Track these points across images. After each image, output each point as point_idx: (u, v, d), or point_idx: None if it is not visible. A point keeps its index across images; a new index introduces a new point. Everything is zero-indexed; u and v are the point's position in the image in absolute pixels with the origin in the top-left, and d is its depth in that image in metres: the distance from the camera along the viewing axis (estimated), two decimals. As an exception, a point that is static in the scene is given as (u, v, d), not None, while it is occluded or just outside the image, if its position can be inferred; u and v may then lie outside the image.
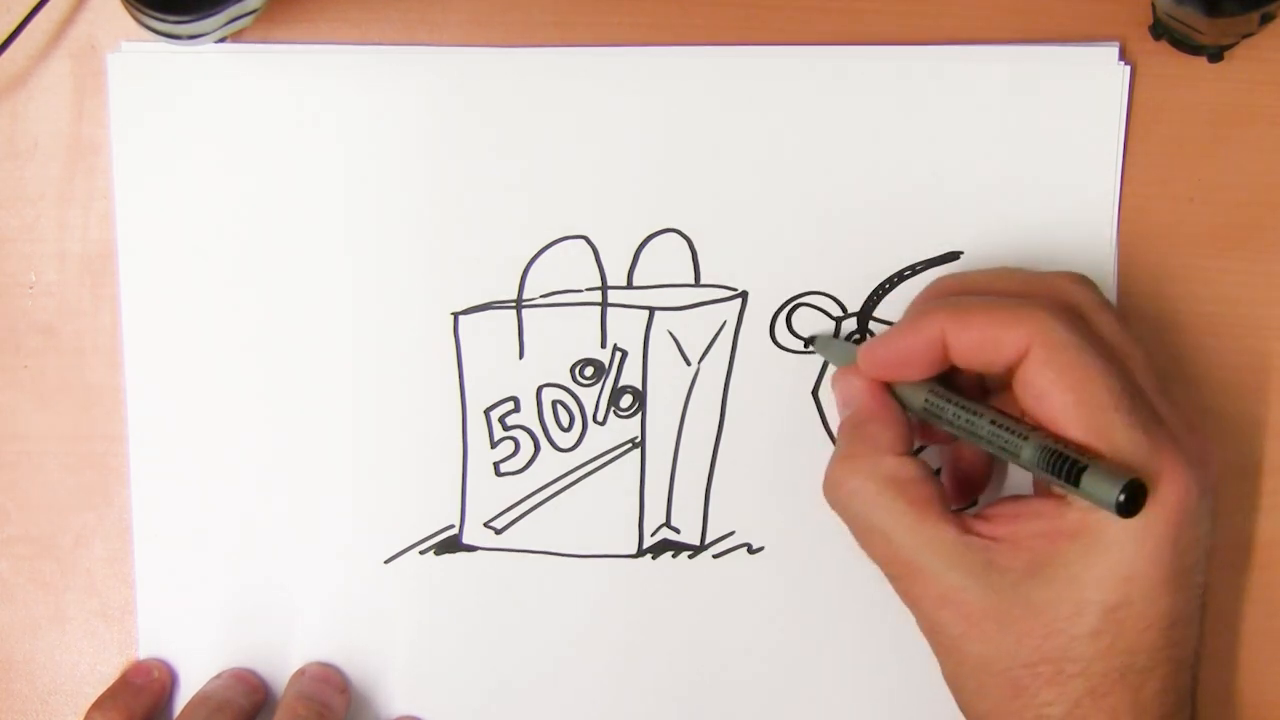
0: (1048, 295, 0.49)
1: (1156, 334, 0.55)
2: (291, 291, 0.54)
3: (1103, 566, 0.46)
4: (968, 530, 0.48)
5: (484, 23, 0.54)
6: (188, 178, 0.54)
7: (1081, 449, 0.45)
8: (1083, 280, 0.50)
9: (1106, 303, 0.50)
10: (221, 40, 0.53)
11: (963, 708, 0.50)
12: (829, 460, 0.50)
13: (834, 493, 0.50)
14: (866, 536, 0.49)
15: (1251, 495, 0.56)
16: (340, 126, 0.54)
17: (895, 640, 0.55)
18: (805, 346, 0.55)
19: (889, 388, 0.51)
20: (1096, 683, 0.46)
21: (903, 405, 0.50)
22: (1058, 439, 0.46)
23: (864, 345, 0.51)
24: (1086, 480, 0.44)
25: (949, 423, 0.49)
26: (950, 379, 0.50)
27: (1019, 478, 0.55)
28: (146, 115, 0.54)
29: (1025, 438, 0.46)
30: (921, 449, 0.55)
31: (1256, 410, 0.56)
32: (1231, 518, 0.56)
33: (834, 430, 0.55)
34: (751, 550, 0.56)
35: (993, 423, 0.47)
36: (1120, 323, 0.49)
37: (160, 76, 0.53)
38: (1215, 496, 0.49)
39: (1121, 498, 0.43)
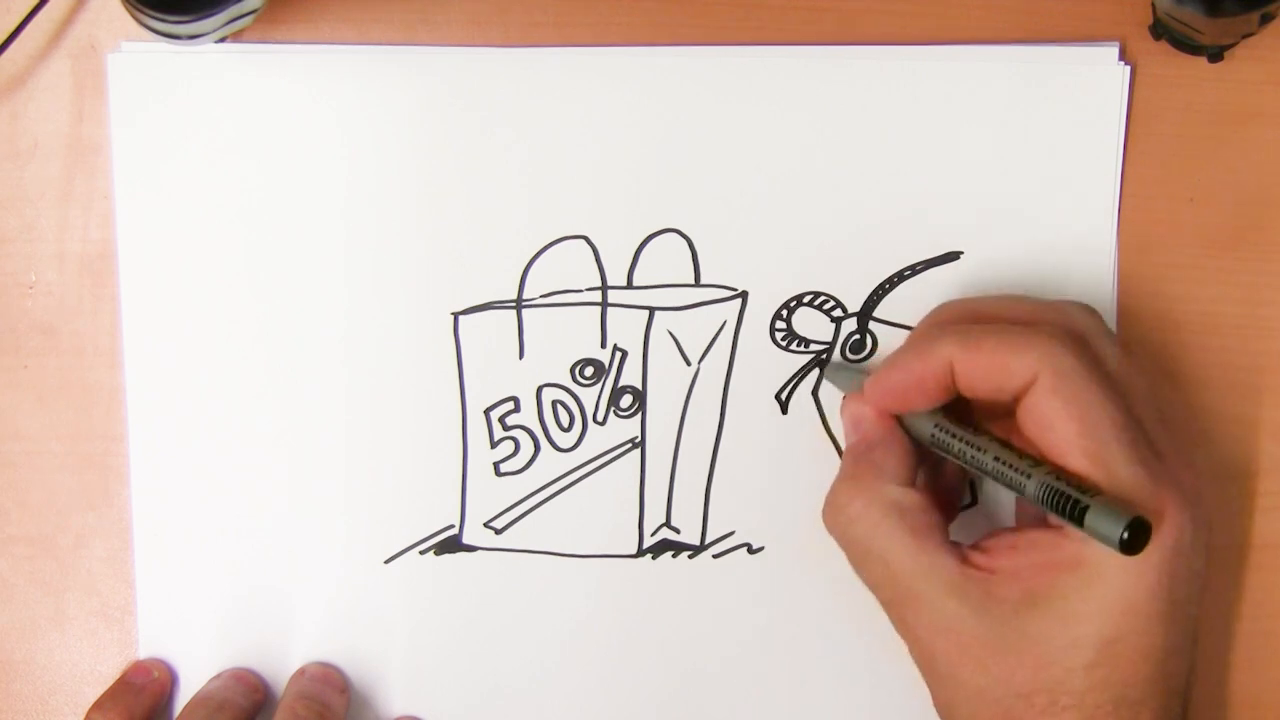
0: (1055, 323, 0.49)
1: (1156, 334, 0.55)
2: (291, 292, 0.54)
3: (1100, 600, 0.46)
4: (966, 561, 0.48)
5: (484, 23, 0.54)
6: (188, 178, 0.54)
7: (1083, 482, 0.46)
8: (1088, 310, 0.50)
9: (1110, 332, 0.50)
10: (221, 40, 0.53)
11: None
12: (832, 483, 0.50)
13: (836, 516, 0.50)
14: (865, 562, 0.49)
15: (1250, 496, 0.56)
16: (340, 126, 0.54)
17: (895, 640, 0.55)
18: (818, 372, 0.55)
19: (896, 415, 0.51)
20: (1090, 714, 0.47)
21: (909, 434, 0.51)
22: (1060, 474, 0.46)
23: (872, 375, 0.51)
24: (1090, 518, 0.44)
25: (955, 455, 0.49)
26: (955, 403, 0.50)
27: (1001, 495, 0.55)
28: (146, 115, 0.54)
29: (1028, 475, 0.46)
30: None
31: (1256, 410, 0.56)
32: (1232, 518, 0.56)
33: (834, 431, 0.55)
34: (751, 550, 0.56)
35: (997, 458, 0.47)
36: (1123, 353, 0.49)
37: (160, 76, 0.53)
38: (1208, 531, 0.49)
39: (1125, 536, 0.44)
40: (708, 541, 0.56)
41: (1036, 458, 0.47)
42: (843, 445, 0.55)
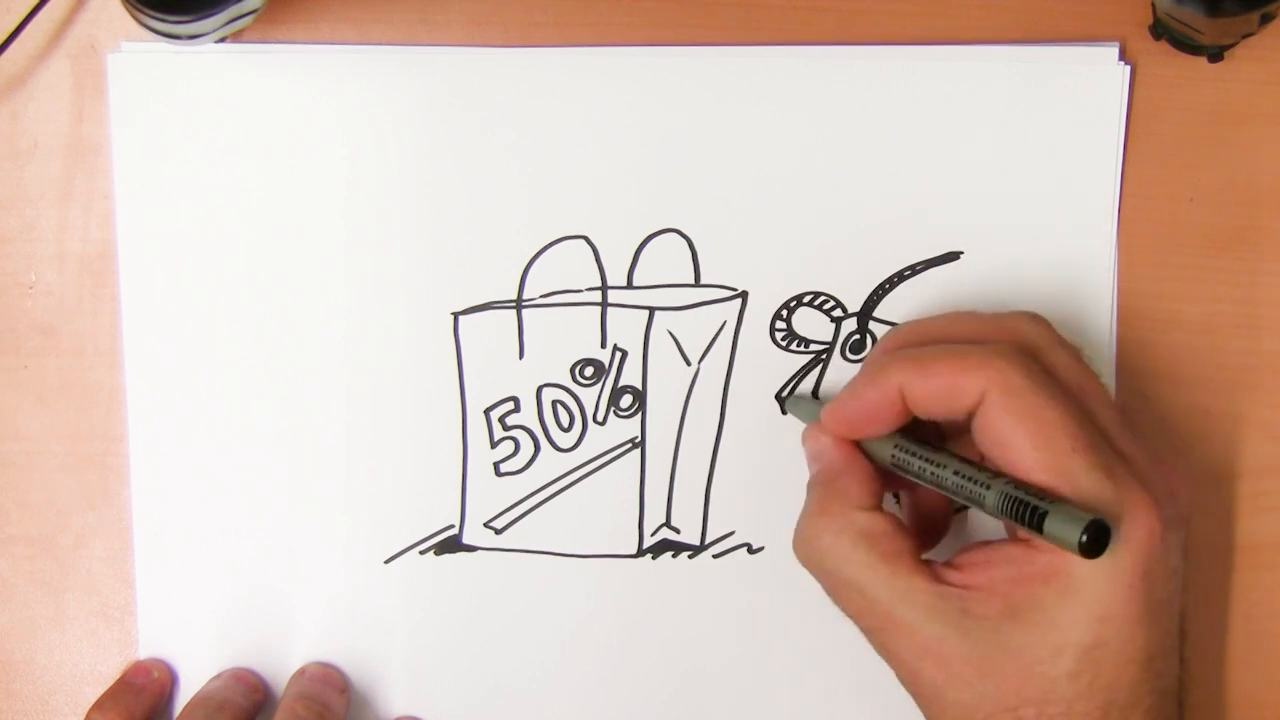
0: (1003, 339, 0.49)
1: (1156, 334, 0.55)
2: (291, 292, 0.54)
3: (1077, 608, 0.46)
4: (941, 580, 0.48)
5: (484, 23, 0.54)
6: (188, 178, 0.54)
7: (1044, 492, 0.45)
8: (1037, 319, 0.50)
9: (1062, 340, 0.50)
10: (221, 40, 0.53)
11: None
12: (799, 517, 0.50)
13: (805, 549, 0.50)
14: (841, 592, 0.49)
15: (1249, 496, 0.56)
16: (340, 127, 0.54)
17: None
18: (782, 410, 0.55)
19: (856, 442, 0.51)
20: None
21: (870, 458, 0.51)
22: (1019, 484, 0.46)
23: (827, 405, 0.51)
24: (1049, 524, 0.44)
25: (915, 475, 0.49)
26: (914, 425, 0.50)
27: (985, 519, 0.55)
28: (146, 115, 0.54)
29: (988, 486, 0.46)
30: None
31: (1254, 410, 0.56)
32: (1228, 518, 0.56)
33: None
34: (751, 550, 0.56)
35: (956, 473, 0.47)
36: (1077, 359, 0.49)
37: (160, 76, 0.53)
38: (1188, 526, 0.49)
39: (1084, 539, 0.43)
40: (708, 541, 0.56)
41: (995, 471, 0.47)
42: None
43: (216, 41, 0.53)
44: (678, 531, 0.56)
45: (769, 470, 0.55)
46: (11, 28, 0.53)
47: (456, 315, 0.55)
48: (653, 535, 0.55)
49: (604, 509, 0.55)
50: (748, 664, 0.56)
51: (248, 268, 0.54)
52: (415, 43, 0.54)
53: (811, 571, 0.50)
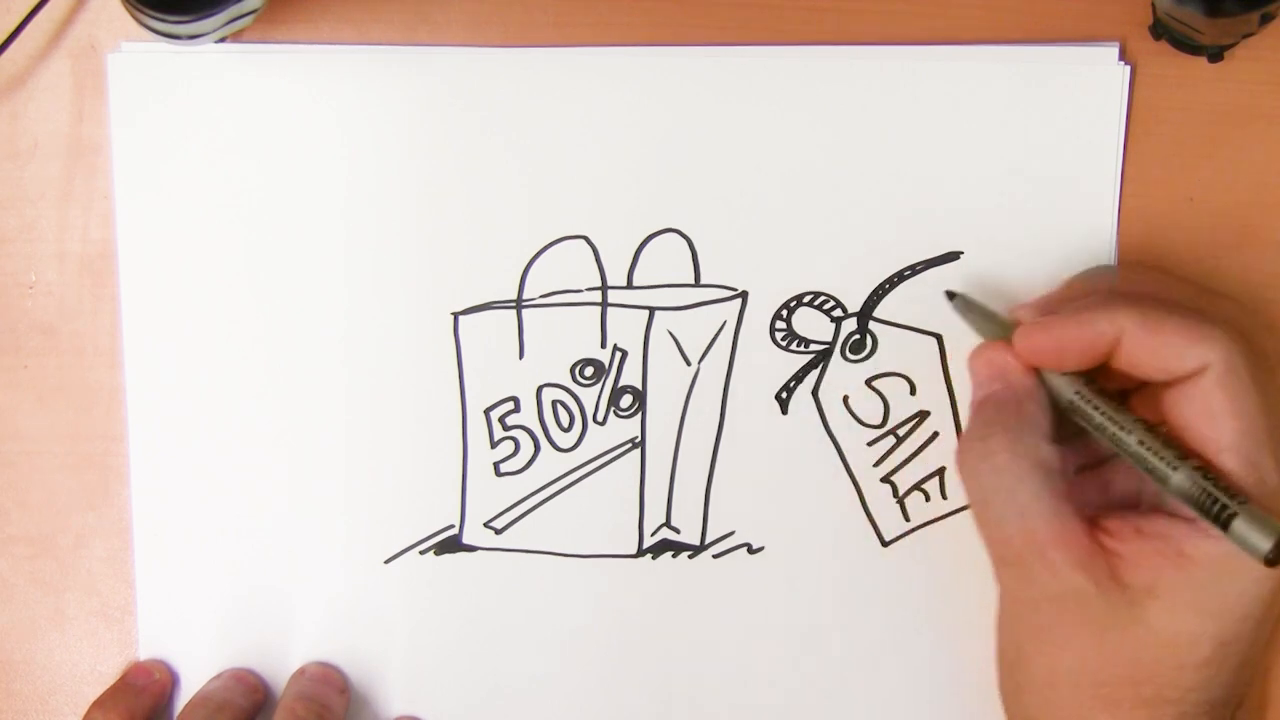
0: (1227, 318, 0.48)
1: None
2: (291, 292, 0.54)
3: (1224, 599, 0.46)
4: (1094, 538, 0.47)
5: (484, 23, 0.54)
6: (188, 178, 0.54)
7: (1231, 485, 0.45)
8: (1245, 308, 0.50)
9: (1262, 337, 0.50)
10: (221, 40, 0.53)
11: (1015, 717, 0.49)
12: (970, 425, 0.49)
13: (978, 461, 0.48)
14: (994, 514, 0.48)
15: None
16: (340, 127, 0.54)
17: (895, 640, 0.55)
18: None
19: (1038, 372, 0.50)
20: (1187, 711, 0.46)
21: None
22: (1207, 471, 0.45)
23: (1025, 326, 0.49)
24: (1238, 525, 0.44)
25: (1093, 425, 0.48)
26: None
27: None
28: (146, 115, 0.54)
29: (1174, 466, 0.46)
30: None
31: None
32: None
33: (834, 431, 0.55)
34: (751, 550, 0.56)
35: (1141, 442, 0.47)
36: (1268, 358, 0.49)
37: (160, 76, 0.54)
38: None
39: (1271, 549, 0.43)
40: (708, 541, 0.56)
41: (1181, 448, 0.46)
42: (964, 404, 0.54)
43: (216, 41, 0.53)
44: (678, 531, 0.56)
45: (769, 470, 0.55)
46: (11, 28, 0.53)
47: (456, 315, 0.55)
48: (653, 535, 0.55)
49: (604, 509, 0.55)
50: (747, 664, 0.56)
51: (248, 268, 0.54)
52: (415, 43, 0.54)
53: (970, 484, 0.49)
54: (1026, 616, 0.48)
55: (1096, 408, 0.48)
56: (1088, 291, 0.51)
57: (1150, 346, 0.47)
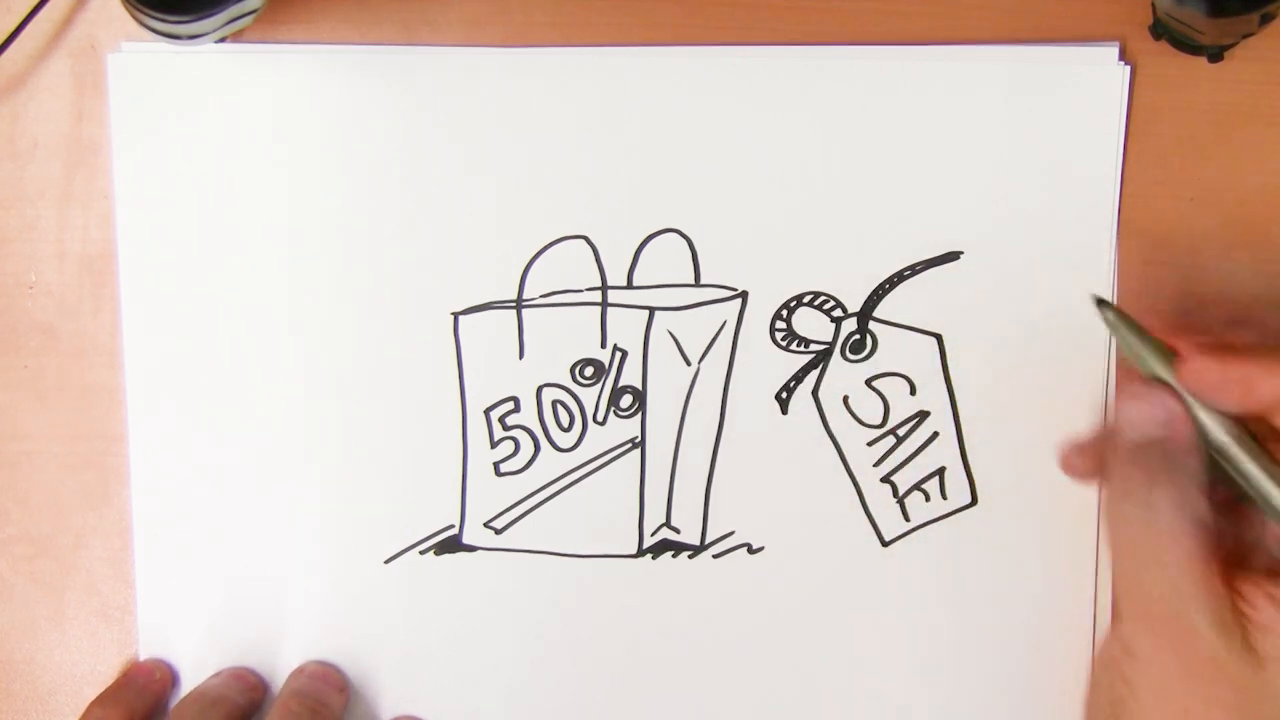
0: None
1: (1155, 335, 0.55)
2: (291, 291, 0.54)
3: None
4: (1235, 602, 0.46)
5: (484, 23, 0.54)
6: (188, 178, 0.54)
7: None
8: None
9: None
10: (221, 40, 0.53)
11: None
12: (1136, 479, 0.47)
13: (1141, 513, 0.47)
14: (1145, 568, 0.46)
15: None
16: (340, 126, 0.54)
17: (895, 640, 0.55)
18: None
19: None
20: None
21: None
22: None
23: (1197, 357, 0.47)
24: None
25: (1243, 474, 0.47)
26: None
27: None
28: (146, 115, 0.54)
29: None
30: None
31: (1256, 410, 0.56)
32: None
33: (834, 431, 0.55)
34: (751, 550, 0.56)
35: None
36: None
37: (160, 76, 0.54)
38: None
39: None
40: (708, 541, 0.56)
41: None
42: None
43: (216, 41, 0.53)
44: (678, 531, 0.56)
45: (769, 470, 0.55)
46: (11, 28, 0.53)
47: (456, 315, 0.55)
48: (653, 535, 0.55)
49: (604, 509, 0.55)
50: (747, 664, 0.56)
51: (248, 268, 0.54)
52: (415, 43, 0.54)
53: (1118, 535, 0.47)
54: (1151, 673, 0.46)
55: (1251, 456, 0.47)
56: (1255, 337, 0.50)
57: None
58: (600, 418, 0.55)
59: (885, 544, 0.55)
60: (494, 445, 0.55)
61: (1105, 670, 0.48)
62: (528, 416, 0.55)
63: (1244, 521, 0.50)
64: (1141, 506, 0.47)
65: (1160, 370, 0.48)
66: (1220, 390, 0.47)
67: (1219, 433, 0.47)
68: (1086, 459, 0.51)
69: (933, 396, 0.55)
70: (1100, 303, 0.50)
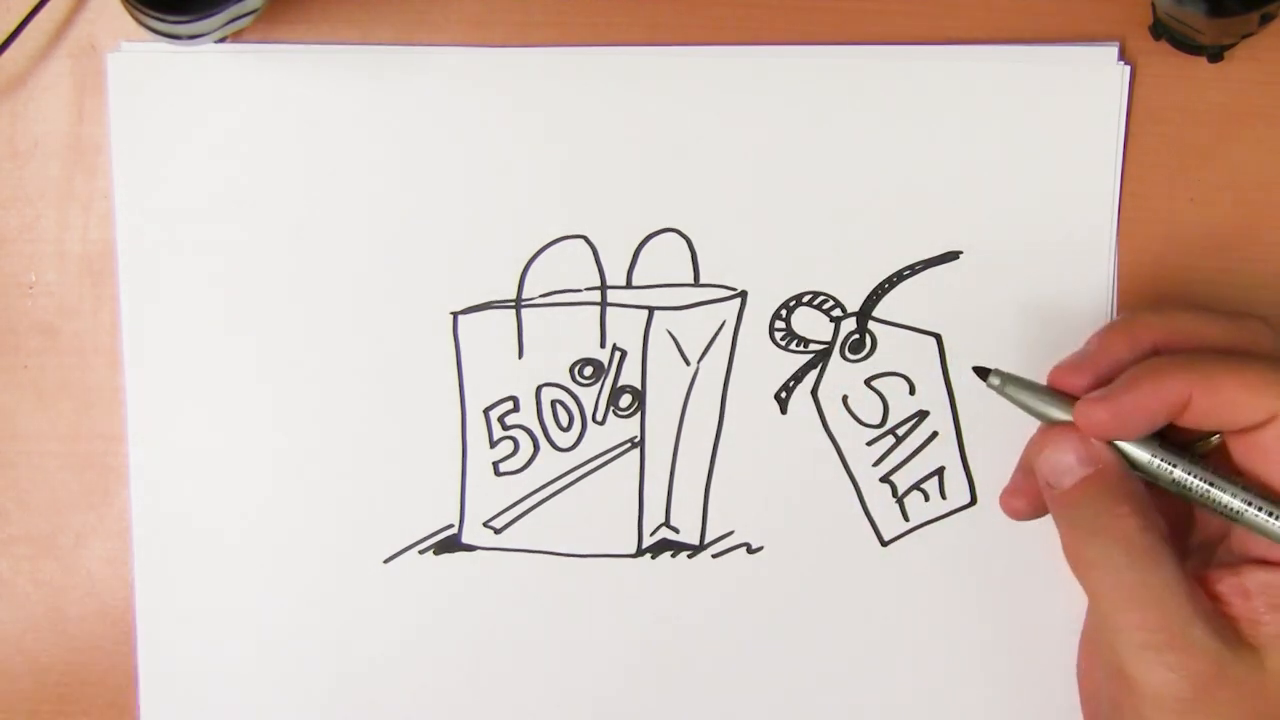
0: (1253, 347, 0.48)
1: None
2: (291, 291, 0.54)
3: None
4: (1220, 607, 0.47)
5: (484, 23, 0.54)
6: (188, 178, 0.54)
7: None
8: (1270, 325, 0.49)
9: None
10: (221, 40, 0.53)
11: None
12: (1096, 517, 0.47)
13: (1115, 547, 0.47)
14: (1137, 599, 0.46)
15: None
16: (340, 126, 0.54)
17: (895, 640, 0.55)
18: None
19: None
20: None
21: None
22: None
23: (1087, 404, 0.48)
24: None
25: (1186, 489, 0.47)
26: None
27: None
28: (146, 115, 0.54)
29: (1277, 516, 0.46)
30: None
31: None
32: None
33: (833, 431, 0.55)
34: (751, 550, 0.56)
35: (1248, 503, 0.47)
36: None
37: (160, 76, 0.54)
38: None
39: None
40: (707, 541, 0.56)
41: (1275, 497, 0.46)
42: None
43: (216, 41, 0.53)
44: (677, 531, 0.56)
45: (768, 470, 0.55)
46: (11, 28, 0.53)
47: (456, 315, 0.55)
48: (652, 535, 0.55)
49: (603, 509, 0.55)
50: (746, 664, 0.56)
51: (247, 268, 0.54)
52: (415, 43, 0.54)
53: (1100, 579, 0.47)
54: (1164, 703, 0.46)
55: (1191, 475, 0.47)
56: (1128, 346, 0.49)
57: (1215, 406, 0.46)
58: (599, 417, 0.55)
59: (884, 544, 0.55)
60: (493, 445, 0.55)
61: (1113, 712, 0.48)
62: (527, 416, 0.55)
63: (1186, 526, 0.51)
64: (1113, 540, 0.47)
65: (1064, 418, 0.48)
66: (1118, 426, 0.47)
67: (1142, 457, 0.48)
68: (1021, 500, 0.51)
69: (932, 396, 0.55)
70: (980, 372, 0.50)
